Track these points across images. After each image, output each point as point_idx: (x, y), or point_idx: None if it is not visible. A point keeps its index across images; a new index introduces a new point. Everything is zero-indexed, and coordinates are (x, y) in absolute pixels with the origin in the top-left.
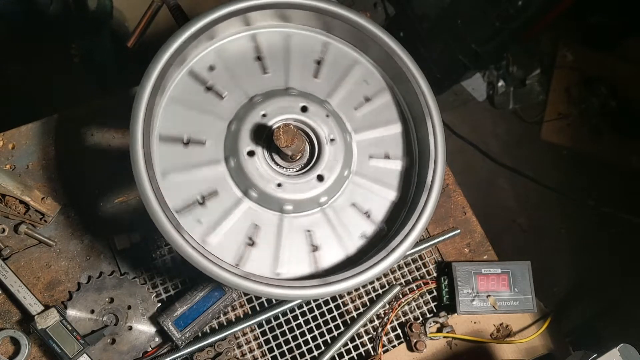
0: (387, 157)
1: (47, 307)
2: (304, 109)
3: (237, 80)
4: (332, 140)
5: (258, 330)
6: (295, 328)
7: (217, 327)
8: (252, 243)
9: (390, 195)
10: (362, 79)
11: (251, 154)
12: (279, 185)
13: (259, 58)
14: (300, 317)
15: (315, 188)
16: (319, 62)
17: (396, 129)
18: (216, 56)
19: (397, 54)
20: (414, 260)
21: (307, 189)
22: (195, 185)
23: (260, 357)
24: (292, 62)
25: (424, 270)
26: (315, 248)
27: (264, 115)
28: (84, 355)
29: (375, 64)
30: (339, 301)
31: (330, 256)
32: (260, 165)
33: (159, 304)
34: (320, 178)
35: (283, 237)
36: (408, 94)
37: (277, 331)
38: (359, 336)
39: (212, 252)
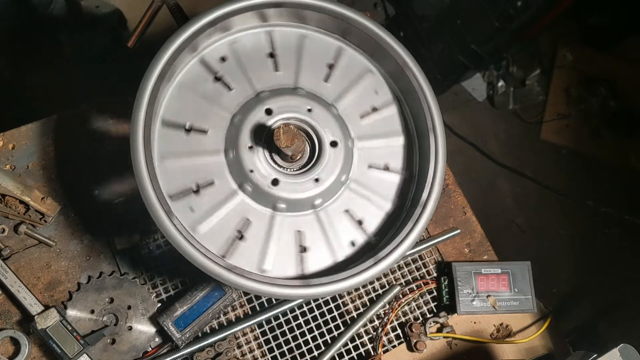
0: (386, 168)
1: (47, 307)
2: (310, 110)
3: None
4: (333, 143)
5: (258, 330)
6: (295, 328)
7: (217, 327)
8: (241, 237)
9: (385, 206)
10: (373, 89)
11: (251, 148)
12: (275, 182)
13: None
14: (300, 317)
15: (311, 189)
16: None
17: (399, 141)
18: (229, 48)
19: (410, 68)
20: (414, 260)
21: (302, 189)
22: (192, 173)
23: (260, 357)
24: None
25: (424, 270)
26: (303, 249)
27: (268, 111)
28: (84, 355)
29: (387, 76)
30: (339, 301)
31: (318, 259)
32: (258, 161)
33: (159, 304)
34: (317, 180)
35: (273, 234)
36: (415, 108)
37: (277, 331)
38: (359, 336)
39: (200, 241)
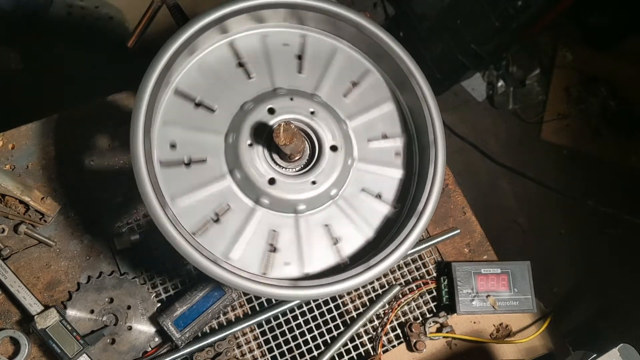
0: (379, 197)
1: (46, 307)
2: (312, 113)
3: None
4: (333, 148)
5: (258, 330)
6: (295, 328)
7: (217, 327)
8: (216, 219)
9: (367, 232)
10: (389, 117)
11: (251, 145)
12: (272, 181)
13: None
14: (300, 317)
15: (305, 192)
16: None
17: (398, 174)
18: (260, 40)
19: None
20: (414, 260)
21: (298, 190)
22: (188, 146)
23: (260, 357)
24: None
25: (423, 270)
26: (273, 249)
27: (270, 111)
28: (84, 355)
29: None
30: (339, 301)
31: (284, 265)
32: (256, 156)
33: (159, 304)
34: (314, 183)
35: (248, 226)
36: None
37: (277, 331)
38: (359, 336)
39: (176, 214)
